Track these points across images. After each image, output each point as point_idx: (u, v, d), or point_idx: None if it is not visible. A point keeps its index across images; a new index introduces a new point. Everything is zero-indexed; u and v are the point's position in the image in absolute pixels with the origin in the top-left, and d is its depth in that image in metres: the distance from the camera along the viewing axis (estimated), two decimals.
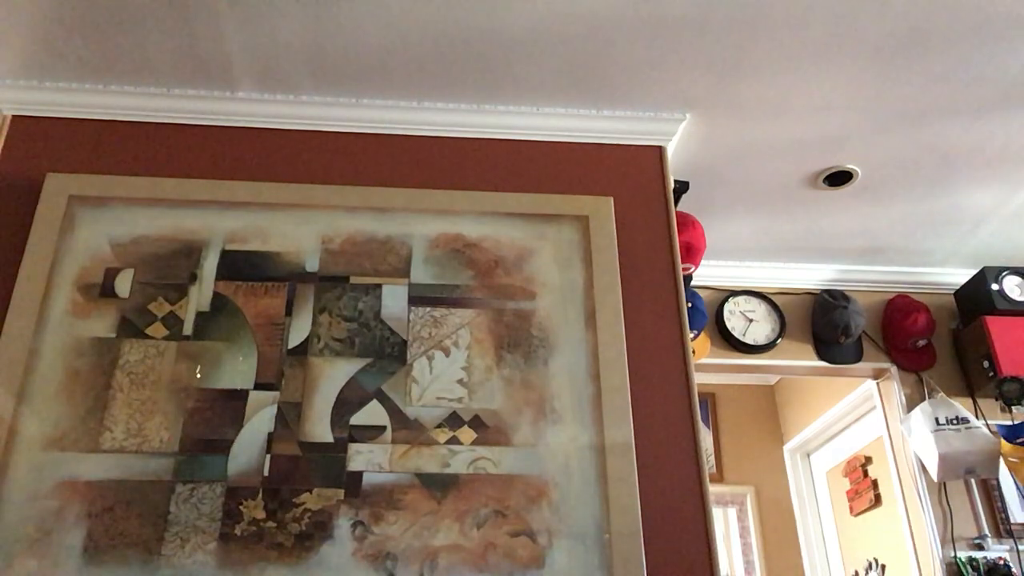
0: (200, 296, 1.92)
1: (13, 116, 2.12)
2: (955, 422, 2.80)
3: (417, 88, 2.15)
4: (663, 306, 2.05)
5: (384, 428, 1.81)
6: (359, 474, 1.76)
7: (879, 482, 3.57)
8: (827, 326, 3.00)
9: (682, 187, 2.43)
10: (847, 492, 3.83)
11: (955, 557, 2.74)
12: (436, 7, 1.89)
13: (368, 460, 1.78)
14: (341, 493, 1.74)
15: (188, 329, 1.88)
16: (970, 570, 2.71)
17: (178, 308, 1.90)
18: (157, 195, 2.01)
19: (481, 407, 1.85)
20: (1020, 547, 2.77)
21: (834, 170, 2.51)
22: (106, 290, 1.90)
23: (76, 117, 2.13)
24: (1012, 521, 2.81)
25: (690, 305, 2.62)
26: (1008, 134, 2.35)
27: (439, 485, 1.77)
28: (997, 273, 2.97)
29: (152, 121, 2.15)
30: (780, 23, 1.93)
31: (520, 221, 2.07)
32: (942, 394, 2.94)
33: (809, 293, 3.13)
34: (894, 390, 3.03)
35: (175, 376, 1.83)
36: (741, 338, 3.02)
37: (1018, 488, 2.85)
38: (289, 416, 1.81)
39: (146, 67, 2.07)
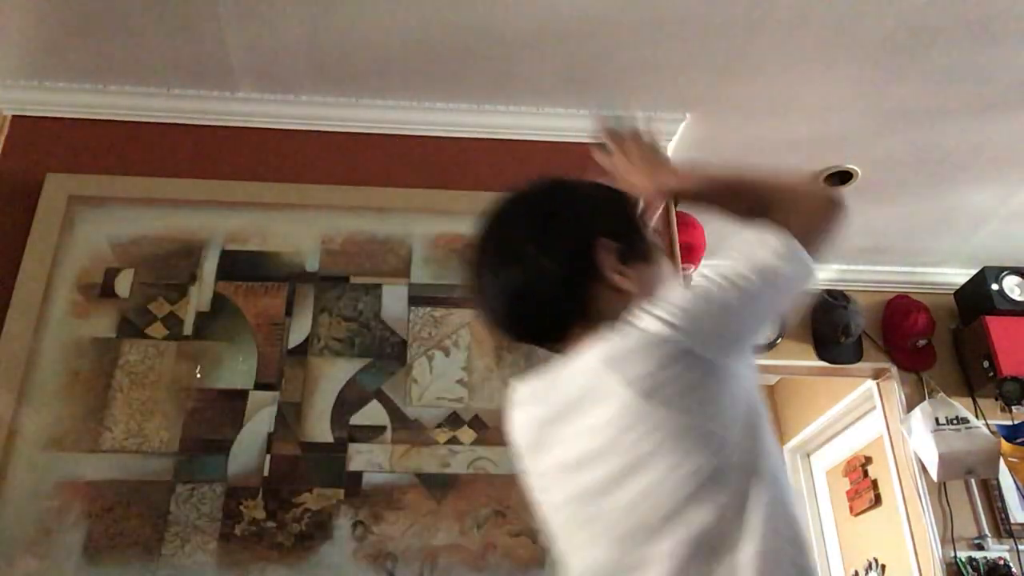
0: (200, 296, 1.92)
1: (13, 116, 2.12)
2: (955, 422, 2.80)
3: (417, 88, 2.15)
4: None
5: (384, 428, 1.81)
6: (359, 474, 1.76)
7: (879, 482, 3.57)
8: (827, 326, 3.00)
9: None
10: (847, 492, 3.83)
11: (955, 557, 2.74)
12: (436, 7, 1.89)
13: (368, 460, 1.78)
14: (341, 493, 1.74)
15: (188, 329, 1.88)
16: (970, 570, 2.71)
17: (178, 308, 1.90)
18: (157, 195, 2.01)
19: (481, 407, 1.85)
20: (1020, 547, 2.77)
21: (834, 170, 2.51)
22: (106, 290, 1.90)
23: (76, 117, 2.13)
24: (1012, 521, 2.81)
25: None
26: (1008, 134, 2.35)
27: (439, 485, 1.76)
28: (997, 273, 2.97)
29: (152, 121, 2.15)
30: (780, 23, 1.93)
31: None
32: (942, 394, 2.94)
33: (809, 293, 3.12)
34: (894, 390, 3.03)
35: (175, 376, 1.83)
36: None
37: (1018, 488, 2.85)
38: (289, 416, 1.81)
39: (146, 67, 2.07)
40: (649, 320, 0.83)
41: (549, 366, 0.95)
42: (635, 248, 0.95)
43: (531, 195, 1.00)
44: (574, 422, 0.88)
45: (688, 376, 0.81)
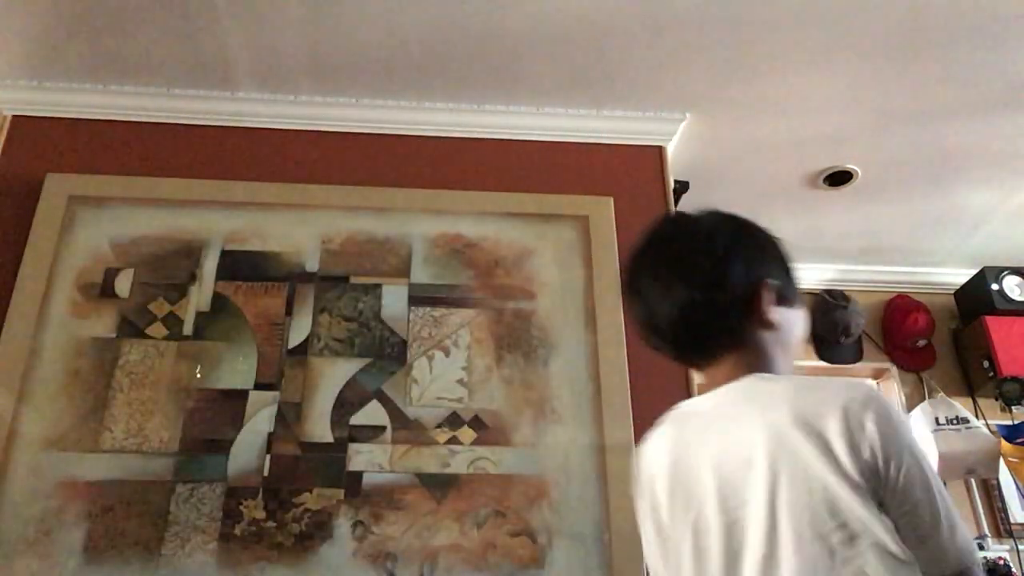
0: (200, 296, 1.92)
1: (13, 116, 2.12)
2: (955, 422, 2.80)
3: (417, 88, 2.15)
4: None
5: (384, 428, 1.81)
6: (359, 474, 1.76)
7: None
8: (827, 326, 3.00)
9: (682, 187, 2.43)
10: None
11: None
12: (436, 7, 1.89)
13: (368, 460, 1.78)
14: (341, 493, 1.74)
15: (188, 329, 1.88)
16: None
17: (178, 308, 1.90)
18: (157, 195, 2.01)
19: (481, 407, 1.85)
20: (1020, 547, 2.77)
21: (834, 170, 2.51)
22: (106, 290, 1.90)
23: (76, 117, 2.13)
24: (1012, 521, 2.81)
25: None
26: (1008, 134, 2.35)
27: (439, 485, 1.77)
28: (997, 273, 2.97)
29: (152, 121, 2.15)
30: (780, 23, 1.93)
31: (520, 221, 2.07)
32: (942, 394, 2.94)
33: (809, 293, 3.13)
34: (894, 390, 3.03)
35: (175, 376, 1.83)
36: None
37: (1018, 488, 2.85)
38: (289, 416, 1.81)
39: (146, 67, 2.07)
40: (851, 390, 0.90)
41: (705, 395, 1.03)
42: (787, 292, 1.06)
43: (721, 223, 1.09)
44: (739, 453, 0.93)
45: (864, 459, 0.86)
